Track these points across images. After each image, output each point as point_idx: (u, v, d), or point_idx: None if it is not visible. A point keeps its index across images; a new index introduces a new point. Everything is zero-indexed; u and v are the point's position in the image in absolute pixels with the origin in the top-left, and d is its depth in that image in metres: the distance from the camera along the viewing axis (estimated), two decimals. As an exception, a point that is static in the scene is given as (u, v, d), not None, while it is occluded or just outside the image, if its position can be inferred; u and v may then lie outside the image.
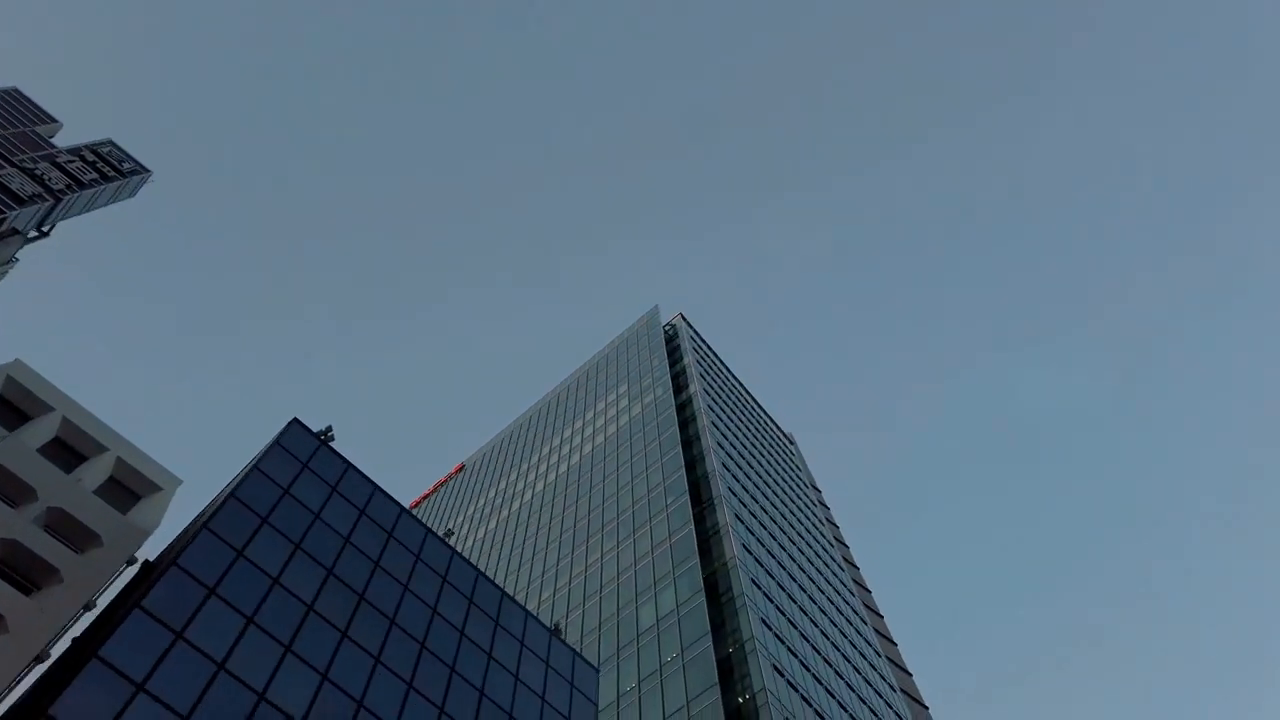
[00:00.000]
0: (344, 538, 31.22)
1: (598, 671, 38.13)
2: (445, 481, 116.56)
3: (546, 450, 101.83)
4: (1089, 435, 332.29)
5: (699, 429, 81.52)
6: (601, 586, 67.94)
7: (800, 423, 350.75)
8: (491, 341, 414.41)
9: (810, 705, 52.32)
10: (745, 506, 72.14)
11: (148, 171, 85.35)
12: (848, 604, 79.24)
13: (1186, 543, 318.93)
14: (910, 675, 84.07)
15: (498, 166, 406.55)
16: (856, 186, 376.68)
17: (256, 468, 30.35)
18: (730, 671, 51.36)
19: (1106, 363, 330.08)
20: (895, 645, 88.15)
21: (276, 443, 32.45)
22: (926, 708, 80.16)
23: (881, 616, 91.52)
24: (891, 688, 72.12)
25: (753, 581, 60.10)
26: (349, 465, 35.01)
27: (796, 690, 52.31)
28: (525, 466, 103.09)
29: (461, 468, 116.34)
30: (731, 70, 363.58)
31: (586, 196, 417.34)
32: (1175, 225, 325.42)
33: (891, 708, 67.51)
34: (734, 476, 76.28)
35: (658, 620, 58.74)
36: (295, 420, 34.11)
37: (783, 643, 56.37)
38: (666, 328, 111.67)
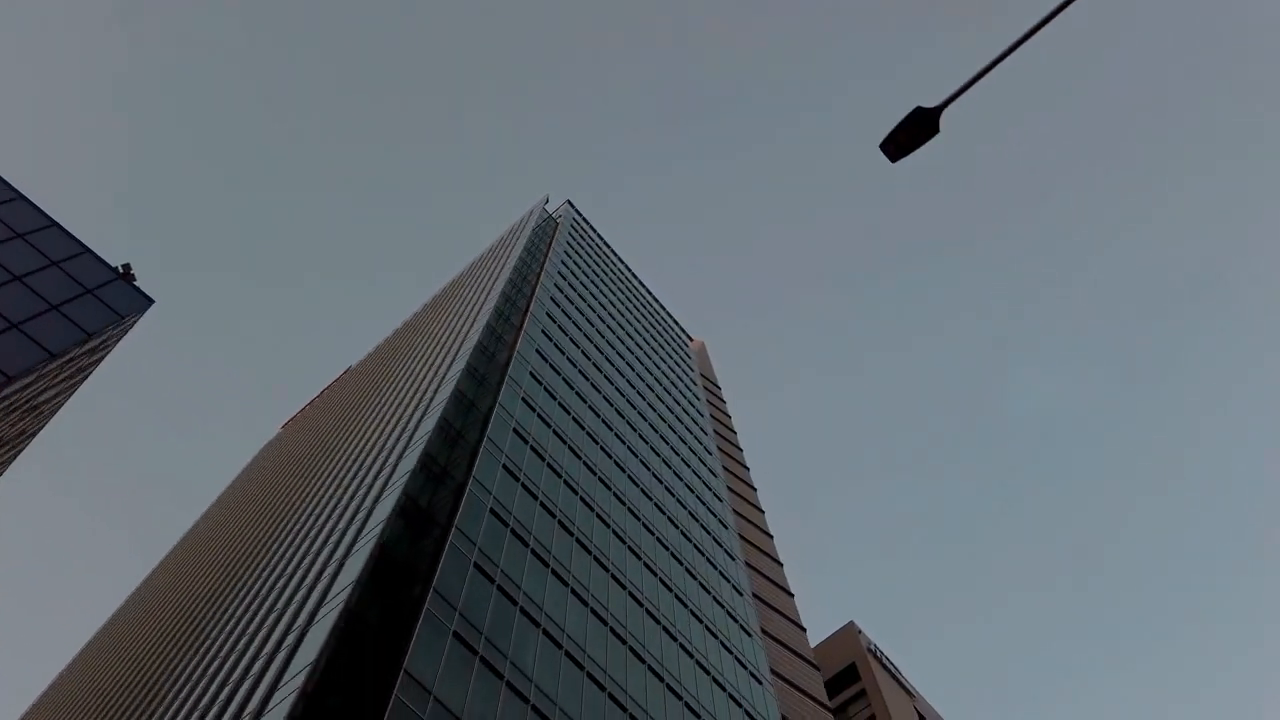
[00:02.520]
0: None
1: (151, 302, 33.07)
2: (332, 385, 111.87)
3: (415, 335, 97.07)
4: (1068, 429, 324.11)
5: (541, 278, 76.36)
6: (408, 400, 63.35)
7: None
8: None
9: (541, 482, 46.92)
10: (563, 331, 66.83)
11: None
12: (693, 452, 73.57)
13: (1178, 546, 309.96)
14: (762, 512, 78.17)
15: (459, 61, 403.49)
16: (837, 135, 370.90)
17: None
18: (461, 437, 46.19)
19: (1095, 364, 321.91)
20: (762, 513, 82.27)
21: None
22: (773, 549, 74.24)
23: (754, 489, 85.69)
24: (723, 524, 66.40)
25: (532, 375, 54.84)
26: None
27: (541, 456, 46.90)
28: (394, 355, 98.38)
29: (348, 371, 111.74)
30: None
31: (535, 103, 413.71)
32: (1170, 224, 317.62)
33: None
34: (563, 311, 70.99)
35: (430, 407, 53.81)
36: None
37: (548, 425, 50.99)
38: (556, 214, 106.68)
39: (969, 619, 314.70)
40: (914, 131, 11.14)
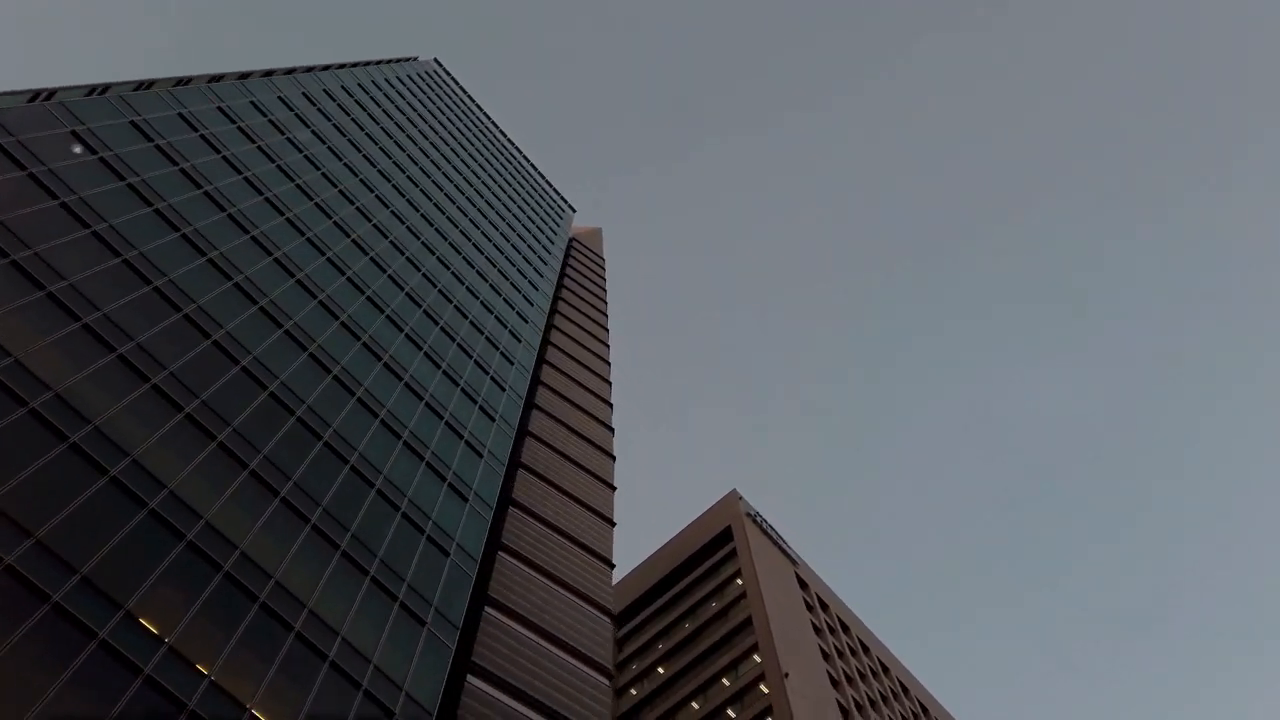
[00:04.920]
0: None
1: None
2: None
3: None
4: (1069, 441, 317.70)
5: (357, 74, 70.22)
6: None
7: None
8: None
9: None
10: (345, 112, 60.95)
11: None
12: (509, 260, 67.71)
13: (1175, 557, 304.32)
14: (611, 407, 72.43)
15: None
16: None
17: None
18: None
19: (1101, 373, 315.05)
20: (610, 366, 76.45)
21: None
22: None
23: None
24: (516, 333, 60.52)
25: (256, 106, 48.92)
26: None
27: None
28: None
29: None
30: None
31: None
32: (1175, 236, 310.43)
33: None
34: (358, 104, 65.03)
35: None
36: None
37: (251, 140, 45.02)
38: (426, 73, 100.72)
39: (970, 620, 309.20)
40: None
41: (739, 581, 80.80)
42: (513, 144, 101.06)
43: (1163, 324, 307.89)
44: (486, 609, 34.25)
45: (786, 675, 66.01)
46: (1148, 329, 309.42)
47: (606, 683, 35.73)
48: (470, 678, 30.50)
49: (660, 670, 78.34)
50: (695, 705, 71.42)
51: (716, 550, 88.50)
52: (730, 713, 67.96)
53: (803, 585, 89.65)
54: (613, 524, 47.68)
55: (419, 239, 55.16)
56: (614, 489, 51.81)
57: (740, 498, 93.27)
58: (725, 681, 70.95)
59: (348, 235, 46.29)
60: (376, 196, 54.16)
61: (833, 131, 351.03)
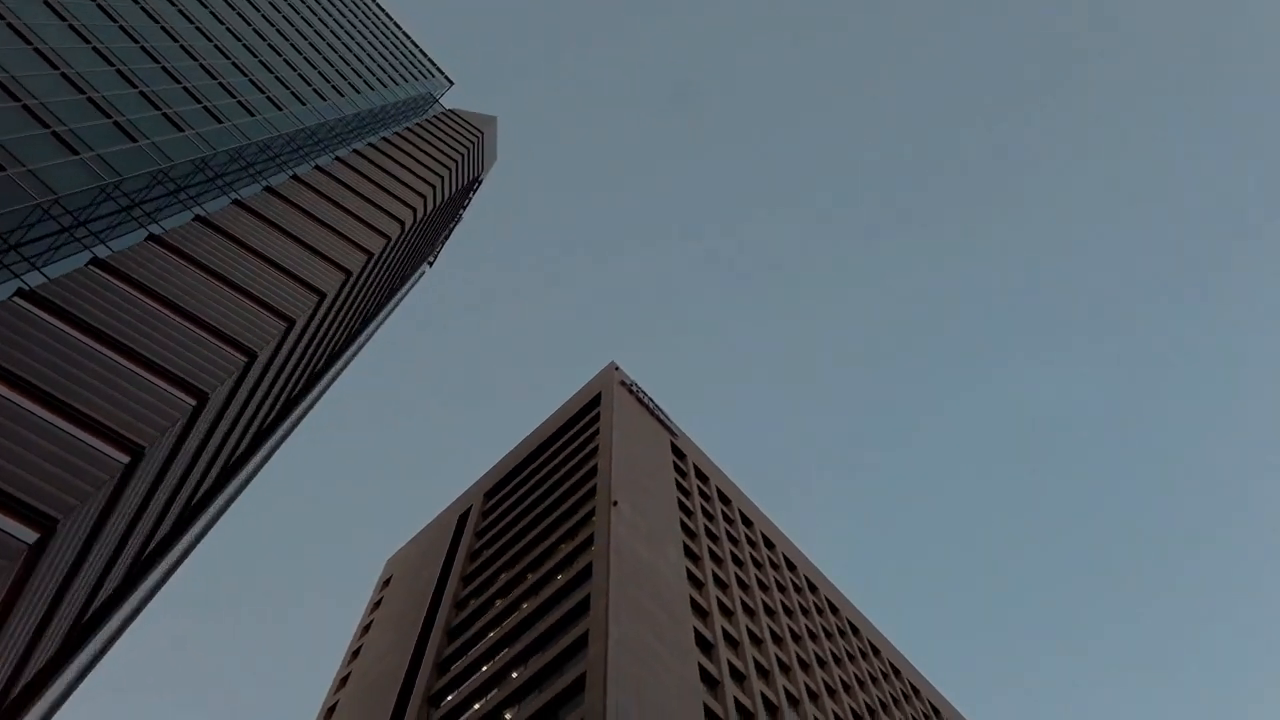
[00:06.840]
0: None
1: None
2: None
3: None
4: (1085, 437, 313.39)
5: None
6: None
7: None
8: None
9: None
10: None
11: None
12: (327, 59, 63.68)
13: (1176, 548, 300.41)
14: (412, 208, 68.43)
15: None
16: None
17: None
18: None
19: (1109, 367, 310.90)
20: (424, 199, 72.60)
21: None
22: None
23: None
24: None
25: None
26: None
27: None
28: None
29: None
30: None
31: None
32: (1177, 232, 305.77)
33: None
34: None
35: None
36: None
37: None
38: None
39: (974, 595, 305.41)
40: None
41: (599, 442, 77.20)
42: (388, 14, 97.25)
43: (1173, 322, 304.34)
44: (91, 266, 30.51)
45: (615, 503, 62.33)
46: (1154, 327, 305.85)
47: (244, 359, 32.02)
48: (18, 299, 26.76)
49: (513, 532, 74.77)
50: (536, 552, 67.84)
51: (586, 416, 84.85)
52: (563, 547, 64.41)
53: (679, 454, 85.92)
54: (347, 271, 43.97)
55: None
56: (370, 255, 48.12)
57: (617, 368, 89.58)
58: (563, 527, 67.42)
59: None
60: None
61: (834, 128, 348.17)
